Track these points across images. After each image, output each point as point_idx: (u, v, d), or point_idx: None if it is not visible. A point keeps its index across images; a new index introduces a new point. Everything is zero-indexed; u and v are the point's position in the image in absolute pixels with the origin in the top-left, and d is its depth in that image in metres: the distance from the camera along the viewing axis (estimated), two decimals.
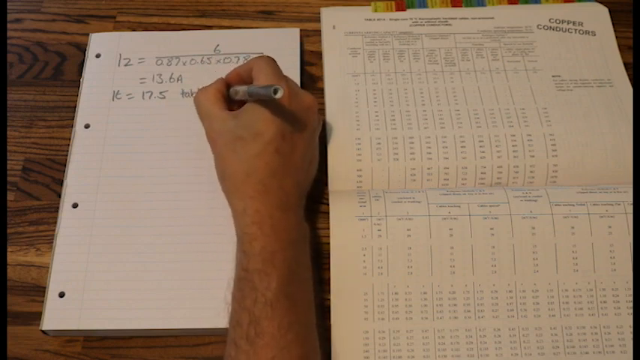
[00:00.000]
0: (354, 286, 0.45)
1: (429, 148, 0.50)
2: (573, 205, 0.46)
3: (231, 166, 0.43)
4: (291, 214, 0.43)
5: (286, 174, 0.43)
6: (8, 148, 0.53)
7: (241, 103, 0.45)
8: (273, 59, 0.46)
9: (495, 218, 0.46)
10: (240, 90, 0.44)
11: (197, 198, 0.49)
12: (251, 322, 0.38)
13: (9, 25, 0.59)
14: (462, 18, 0.58)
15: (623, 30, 0.58)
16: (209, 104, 0.46)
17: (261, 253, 0.40)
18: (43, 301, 0.46)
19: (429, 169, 0.49)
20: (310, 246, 0.45)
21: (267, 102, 0.42)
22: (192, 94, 0.54)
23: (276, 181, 0.42)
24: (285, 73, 0.45)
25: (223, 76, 0.48)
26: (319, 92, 0.55)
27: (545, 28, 0.57)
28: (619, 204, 0.46)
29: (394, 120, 0.52)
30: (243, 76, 0.47)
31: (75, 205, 0.49)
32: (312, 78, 0.57)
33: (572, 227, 0.46)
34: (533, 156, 0.50)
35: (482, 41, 0.57)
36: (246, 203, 0.42)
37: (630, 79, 0.54)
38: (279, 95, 0.38)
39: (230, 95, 0.47)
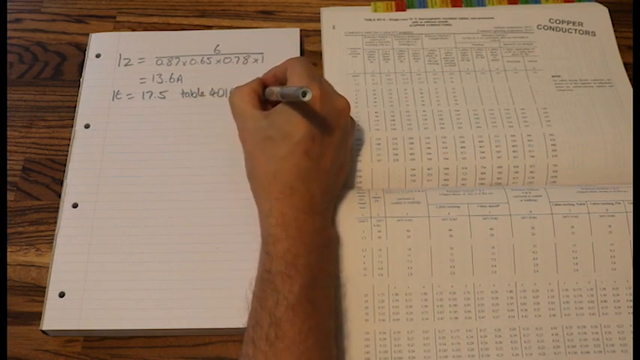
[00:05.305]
0: (355, 287, 0.45)
1: (429, 148, 0.50)
2: (573, 205, 0.46)
3: (259, 166, 0.43)
4: (318, 218, 0.42)
5: (315, 177, 0.42)
6: (8, 148, 0.53)
7: (277, 104, 0.44)
8: (307, 60, 0.45)
9: (495, 218, 0.46)
10: (275, 91, 0.43)
11: (197, 198, 0.49)
12: (271, 323, 0.38)
13: (9, 25, 0.59)
14: (461, 18, 0.58)
15: (623, 30, 0.58)
16: (242, 103, 0.45)
17: (285, 255, 0.40)
18: (43, 301, 0.46)
19: (429, 169, 0.49)
20: (335, 253, 0.44)
21: (298, 104, 0.41)
22: (192, 94, 0.54)
23: (304, 184, 0.41)
24: None
25: (260, 76, 0.47)
26: None
27: (545, 28, 0.57)
28: (619, 203, 0.46)
29: (394, 120, 0.52)
30: (279, 77, 0.46)
31: (75, 205, 0.49)
32: None
33: (572, 227, 0.46)
34: (533, 156, 0.50)
35: (482, 41, 0.57)
36: (272, 204, 0.41)
37: (630, 79, 0.54)
38: (307, 98, 0.37)
39: (266, 96, 0.46)
